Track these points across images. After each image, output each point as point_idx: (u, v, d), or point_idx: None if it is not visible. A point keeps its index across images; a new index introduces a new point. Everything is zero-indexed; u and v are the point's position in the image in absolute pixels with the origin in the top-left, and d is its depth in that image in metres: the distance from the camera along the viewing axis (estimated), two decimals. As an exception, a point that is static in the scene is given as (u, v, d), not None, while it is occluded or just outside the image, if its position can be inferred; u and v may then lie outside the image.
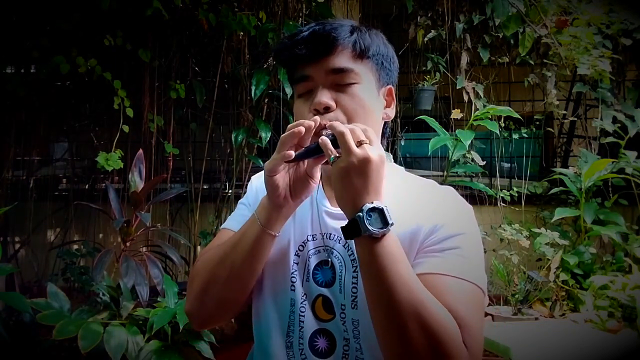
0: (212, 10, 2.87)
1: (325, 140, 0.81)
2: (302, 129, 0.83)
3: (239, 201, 1.08)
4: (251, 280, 0.94)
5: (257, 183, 1.08)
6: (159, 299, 2.29)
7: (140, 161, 2.56)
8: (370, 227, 0.76)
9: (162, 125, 3.19)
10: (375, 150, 0.78)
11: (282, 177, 0.87)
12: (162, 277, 2.35)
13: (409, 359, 0.75)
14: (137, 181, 2.50)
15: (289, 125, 0.85)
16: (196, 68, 3.37)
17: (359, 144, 0.78)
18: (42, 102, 3.26)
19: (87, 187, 3.63)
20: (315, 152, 0.84)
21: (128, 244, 2.51)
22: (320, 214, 0.97)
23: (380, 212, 0.77)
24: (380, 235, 0.77)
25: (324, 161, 0.86)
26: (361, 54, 0.93)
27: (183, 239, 2.79)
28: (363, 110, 0.91)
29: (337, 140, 0.80)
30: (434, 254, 0.86)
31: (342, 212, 0.89)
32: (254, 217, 0.91)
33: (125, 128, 2.84)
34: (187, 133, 3.54)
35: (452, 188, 0.99)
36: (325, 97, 0.89)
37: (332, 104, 0.90)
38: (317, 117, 0.87)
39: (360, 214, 0.77)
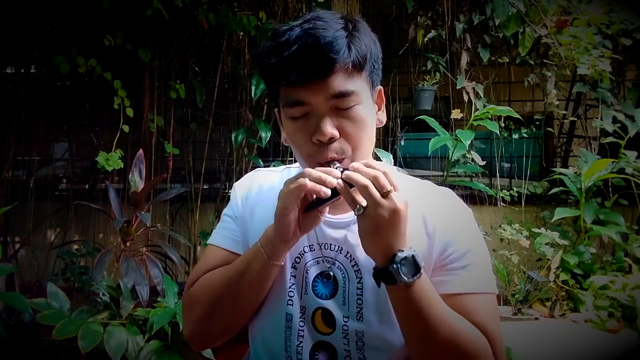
0: (212, 10, 2.87)
1: (345, 189, 0.78)
2: (329, 192, 0.79)
3: (223, 212, 1.05)
4: (256, 305, 0.94)
5: (241, 192, 1.03)
6: (159, 299, 2.29)
7: (140, 161, 2.55)
8: (405, 278, 0.77)
9: (162, 125, 3.19)
10: (401, 198, 0.77)
11: (293, 215, 0.85)
12: (162, 277, 2.35)
13: None
14: (137, 181, 2.50)
15: (313, 174, 0.80)
16: (196, 68, 3.37)
17: (386, 194, 0.76)
18: (42, 102, 3.26)
19: (87, 187, 3.62)
20: (332, 197, 0.81)
21: (128, 244, 2.50)
22: None
23: (412, 258, 0.78)
24: (414, 282, 0.78)
25: (339, 201, 0.83)
26: (359, 69, 0.86)
27: (183, 239, 2.78)
28: (365, 133, 0.87)
29: (361, 193, 0.77)
30: (454, 272, 0.89)
31: (341, 220, 0.90)
32: (257, 248, 0.89)
33: (125, 128, 2.84)
34: (187, 133, 3.53)
35: (450, 190, 0.98)
36: (329, 127, 0.83)
37: (337, 133, 0.84)
38: (337, 178, 0.80)
39: (394, 265, 0.77)
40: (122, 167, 2.80)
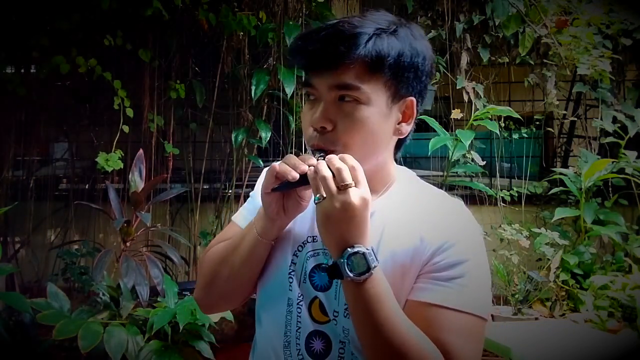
0: (212, 10, 2.87)
1: (313, 176, 0.80)
2: (297, 176, 0.82)
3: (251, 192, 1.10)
4: (249, 280, 0.97)
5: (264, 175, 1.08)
6: (159, 299, 2.29)
7: (140, 161, 2.56)
8: (350, 273, 0.77)
9: (162, 125, 3.19)
10: (358, 194, 0.77)
11: (276, 195, 0.88)
12: (162, 277, 2.35)
13: None
14: (137, 181, 2.50)
15: (288, 160, 0.85)
16: (196, 68, 3.37)
17: (344, 187, 0.77)
18: (42, 102, 3.26)
19: (87, 187, 3.63)
20: (301, 183, 0.83)
21: (128, 244, 2.51)
22: None
23: (362, 256, 0.77)
24: (362, 280, 0.77)
25: (308, 189, 0.85)
26: (373, 70, 0.84)
27: (183, 239, 2.79)
28: (362, 133, 0.86)
29: (321, 183, 0.78)
30: (436, 282, 0.84)
31: None
32: (252, 225, 0.93)
33: (125, 128, 2.84)
34: (187, 133, 3.53)
35: (462, 203, 0.96)
36: (323, 117, 0.85)
37: (330, 125, 0.86)
38: (311, 167, 0.82)
39: (342, 259, 0.77)
40: (122, 167, 2.80)
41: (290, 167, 0.84)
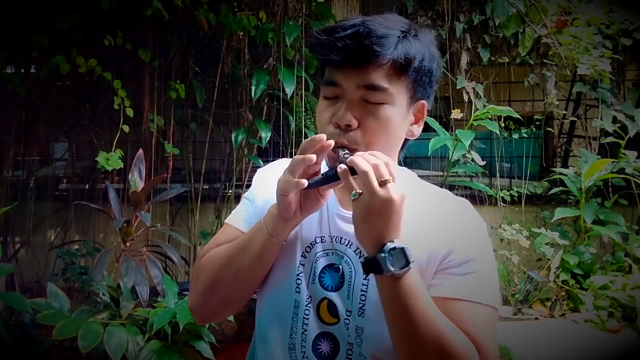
0: (212, 10, 2.87)
1: (345, 172, 0.79)
2: (313, 157, 0.81)
3: (244, 195, 1.07)
4: (256, 283, 0.96)
5: (261, 177, 1.05)
6: (159, 299, 2.29)
7: (140, 161, 2.56)
8: (392, 268, 0.77)
9: (162, 125, 3.19)
10: (397, 190, 0.77)
11: (294, 195, 0.87)
12: (162, 277, 2.35)
13: None
14: (137, 181, 2.50)
15: (304, 143, 0.83)
16: (196, 68, 3.37)
17: (383, 183, 0.77)
18: (42, 102, 3.26)
19: (87, 187, 3.63)
20: (332, 179, 0.83)
21: (128, 244, 2.50)
22: (330, 215, 0.95)
23: (401, 251, 0.77)
24: (402, 274, 0.78)
25: (339, 185, 0.84)
26: (400, 71, 0.86)
27: (183, 239, 2.79)
28: (385, 133, 0.87)
29: (360, 179, 0.78)
30: (452, 277, 0.87)
31: None
32: (261, 224, 0.91)
33: (125, 128, 2.84)
34: (187, 133, 3.53)
35: (466, 201, 0.98)
36: (349, 114, 0.85)
37: (355, 123, 0.85)
38: (331, 142, 0.83)
39: (382, 254, 0.77)
40: (122, 167, 2.80)
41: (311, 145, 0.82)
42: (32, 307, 2.10)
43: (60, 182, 3.81)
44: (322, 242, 0.94)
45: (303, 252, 0.95)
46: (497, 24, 3.16)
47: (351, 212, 0.84)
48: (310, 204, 0.89)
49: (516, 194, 3.30)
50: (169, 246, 2.73)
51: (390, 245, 0.77)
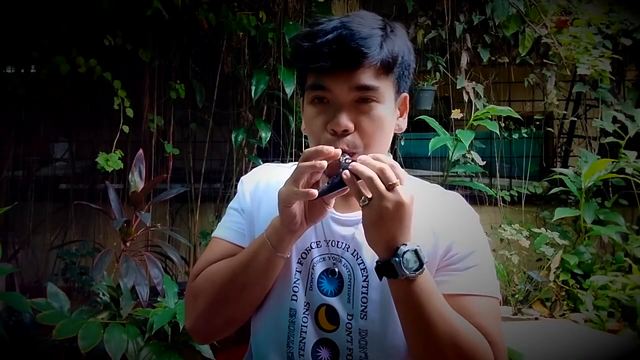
0: (212, 10, 2.87)
1: (352, 179, 0.78)
2: (325, 163, 0.80)
3: (229, 206, 1.03)
4: (261, 298, 0.94)
5: (248, 185, 1.02)
6: (159, 299, 2.29)
7: (140, 161, 2.55)
8: (406, 272, 0.77)
9: (162, 125, 3.19)
10: (407, 192, 0.77)
11: (298, 205, 0.85)
12: (162, 277, 2.35)
13: None
14: (137, 181, 2.50)
15: (308, 152, 0.81)
16: (196, 68, 3.37)
17: (392, 186, 0.76)
18: (42, 102, 3.26)
19: (87, 187, 3.62)
20: (338, 186, 0.82)
21: (128, 244, 2.50)
22: (325, 219, 0.93)
23: (414, 253, 0.77)
24: (416, 276, 0.78)
25: (345, 192, 0.83)
26: (387, 70, 0.86)
27: (183, 239, 2.78)
28: (380, 132, 0.87)
29: (366, 185, 0.77)
30: (456, 272, 0.88)
31: (349, 218, 0.89)
32: (263, 238, 0.89)
33: (125, 128, 2.84)
34: (187, 133, 3.53)
35: (456, 193, 0.99)
36: (345, 119, 0.84)
37: (352, 127, 0.84)
38: (339, 150, 0.82)
39: (397, 258, 0.77)
40: (122, 167, 2.80)
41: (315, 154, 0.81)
42: (32, 307, 2.10)
43: (60, 182, 3.81)
44: (318, 247, 0.93)
45: (299, 259, 0.93)
46: (497, 24, 3.16)
47: (346, 215, 0.84)
48: (316, 213, 0.87)
49: (516, 194, 3.30)
50: (169, 246, 2.72)
51: (403, 248, 0.77)
